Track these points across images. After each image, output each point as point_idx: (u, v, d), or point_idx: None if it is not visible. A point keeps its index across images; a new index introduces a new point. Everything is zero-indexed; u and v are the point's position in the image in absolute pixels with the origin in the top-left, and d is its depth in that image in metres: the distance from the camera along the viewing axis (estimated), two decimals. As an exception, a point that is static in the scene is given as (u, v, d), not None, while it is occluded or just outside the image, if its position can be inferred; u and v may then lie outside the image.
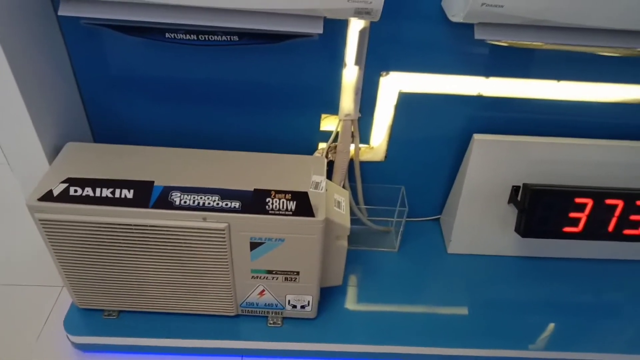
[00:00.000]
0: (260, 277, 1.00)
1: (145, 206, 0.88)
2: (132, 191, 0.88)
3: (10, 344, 1.10)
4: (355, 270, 1.23)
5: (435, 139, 1.21)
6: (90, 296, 1.04)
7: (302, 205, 0.88)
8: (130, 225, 0.89)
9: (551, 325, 1.15)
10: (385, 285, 1.21)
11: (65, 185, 0.88)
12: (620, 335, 1.14)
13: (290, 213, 0.89)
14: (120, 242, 0.92)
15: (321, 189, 0.95)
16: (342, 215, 0.98)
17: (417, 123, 1.18)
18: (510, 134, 1.14)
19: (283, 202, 0.88)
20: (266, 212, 0.89)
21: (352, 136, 1.17)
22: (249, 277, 1.00)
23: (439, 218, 1.39)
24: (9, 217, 1.40)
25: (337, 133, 1.16)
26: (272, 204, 0.88)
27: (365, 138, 1.21)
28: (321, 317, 1.12)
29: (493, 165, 1.15)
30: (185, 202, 0.88)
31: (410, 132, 1.19)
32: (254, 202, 0.88)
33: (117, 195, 0.87)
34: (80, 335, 1.06)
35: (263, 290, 1.03)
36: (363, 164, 1.24)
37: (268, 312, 1.09)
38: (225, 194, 0.89)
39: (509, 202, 1.20)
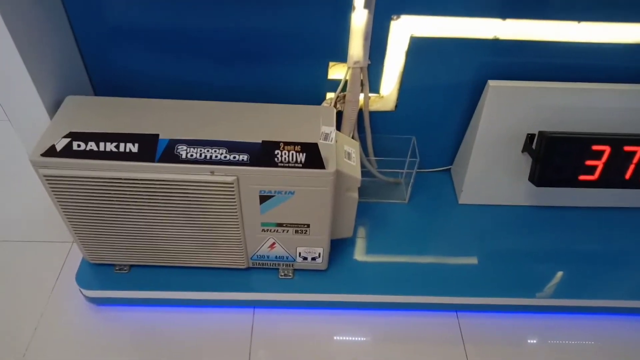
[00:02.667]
0: (270, 230, 0.99)
1: (151, 160, 0.86)
2: (136, 145, 0.85)
3: (25, 300, 1.11)
4: (365, 222, 1.22)
5: (448, 87, 1.16)
6: (100, 251, 1.04)
7: (312, 157, 0.86)
8: (137, 180, 0.87)
9: (561, 274, 1.14)
10: (395, 237, 1.20)
11: (68, 140, 0.85)
12: (632, 283, 1.13)
13: (300, 165, 0.86)
14: (127, 197, 0.91)
15: (331, 140, 0.92)
16: (352, 167, 0.96)
17: (430, 70, 1.13)
18: (526, 81, 1.09)
19: (292, 154, 0.86)
20: (275, 165, 0.86)
21: (362, 85, 1.13)
22: (259, 230, 0.99)
23: (449, 169, 1.36)
24: (17, 174, 1.39)
25: (346, 82, 1.12)
26: (281, 156, 0.86)
27: (374, 87, 1.16)
28: (332, 268, 1.12)
29: (508, 112, 1.12)
30: (192, 155, 0.86)
31: (422, 79, 1.15)
32: (263, 154, 0.86)
33: (121, 149, 0.85)
34: (92, 290, 1.07)
35: (273, 243, 1.03)
36: (372, 113, 1.20)
37: (279, 265, 1.09)
38: (232, 147, 0.86)
39: (523, 150, 1.17)
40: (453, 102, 1.19)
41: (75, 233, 0.99)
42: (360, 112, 1.18)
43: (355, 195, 1.00)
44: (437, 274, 1.13)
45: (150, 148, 0.85)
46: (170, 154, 0.86)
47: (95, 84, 1.12)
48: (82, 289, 1.08)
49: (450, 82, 1.15)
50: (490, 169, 1.21)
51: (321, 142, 0.89)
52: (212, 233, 0.99)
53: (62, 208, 0.93)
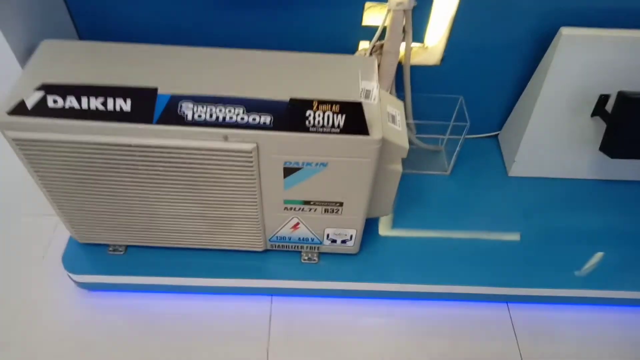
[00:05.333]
0: (294, 209, 0.82)
1: (148, 121, 0.67)
2: (129, 101, 0.66)
3: (4, 284, 0.95)
4: (401, 197, 1.04)
5: (508, 37, 0.96)
6: (90, 229, 0.87)
7: (354, 119, 0.67)
8: (130, 146, 0.69)
9: (632, 261, 0.97)
10: (435, 215, 1.02)
11: (41, 94, 0.66)
12: None
13: (337, 130, 0.68)
14: (118, 167, 0.73)
15: (373, 100, 0.73)
16: (398, 133, 0.77)
17: (487, 15, 0.92)
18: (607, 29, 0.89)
19: (328, 115, 0.67)
20: (306, 129, 0.68)
21: (403, 32, 0.93)
22: (281, 208, 0.81)
23: (496, 135, 1.17)
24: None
25: (384, 28, 0.92)
26: (314, 118, 0.67)
27: (418, 36, 0.96)
28: (363, 251, 0.95)
29: (581, 67, 0.92)
30: (200, 116, 0.67)
31: (476, 27, 0.94)
32: (290, 115, 0.67)
33: (109, 107, 0.66)
34: (82, 274, 0.91)
35: (297, 224, 0.85)
36: (414, 68, 1.00)
37: (302, 247, 0.92)
38: (252, 105, 0.67)
39: (594, 114, 0.98)
40: (511, 56, 0.99)
41: (59, 209, 0.82)
42: (400, 67, 0.98)
43: (399, 167, 0.81)
44: (484, 260, 0.96)
45: (147, 106, 0.67)
46: (172, 114, 0.67)
47: (80, 26, 0.92)
48: (70, 273, 0.91)
49: (510, 32, 0.95)
50: (551, 135, 1.02)
51: (363, 102, 0.70)
52: (224, 211, 0.81)
53: (40, 179, 0.76)
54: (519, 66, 1.01)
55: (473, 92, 1.05)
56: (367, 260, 0.94)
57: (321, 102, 0.66)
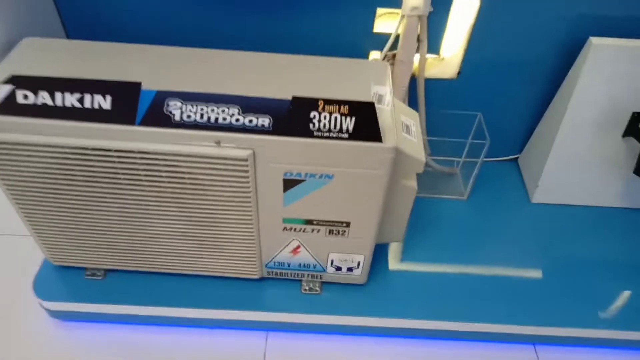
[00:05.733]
0: (295, 229, 0.72)
1: (130, 122, 0.59)
2: (109, 98, 0.58)
3: (-32, 308, 0.85)
4: (412, 223, 0.95)
5: (531, 50, 0.89)
6: (65, 250, 0.78)
7: (365, 123, 0.58)
8: (110, 150, 0.60)
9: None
10: (450, 244, 0.92)
11: (9, 87, 0.58)
12: None
13: (346, 136, 0.59)
14: (96, 176, 0.64)
15: (387, 105, 0.64)
16: (413, 145, 0.69)
17: (509, 24, 0.85)
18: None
19: (336, 118, 0.58)
20: (310, 134, 0.59)
21: (418, 41, 0.85)
22: (279, 228, 0.72)
23: (516, 158, 1.08)
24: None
25: (397, 36, 0.85)
26: (319, 121, 0.58)
27: (433, 45, 0.89)
28: (372, 282, 0.84)
29: (612, 81, 0.84)
30: (189, 116, 0.58)
31: (497, 37, 0.87)
32: (292, 117, 0.58)
33: (87, 104, 0.58)
34: (53, 301, 0.80)
35: (298, 247, 0.75)
36: (428, 82, 0.93)
37: (303, 276, 0.82)
38: (248, 105, 0.59)
39: (626, 134, 0.89)
40: (534, 70, 0.92)
41: (30, 224, 0.73)
42: (413, 80, 0.91)
43: (414, 184, 0.72)
44: (507, 294, 0.85)
45: (129, 103, 0.58)
46: (157, 114, 0.59)
47: (68, 26, 0.85)
48: (41, 300, 0.81)
49: (534, 44, 0.88)
50: (578, 158, 0.93)
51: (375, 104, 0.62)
52: (215, 230, 0.72)
53: (6, 188, 0.67)
54: (542, 82, 0.93)
55: (492, 110, 0.97)
56: (376, 292, 0.84)
57: (328, 102, 0.58)
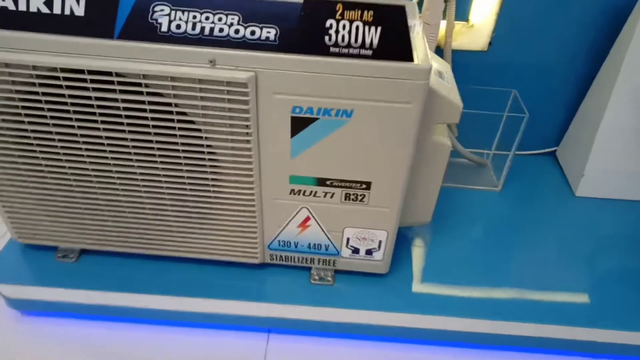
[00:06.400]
0: (304, 193, 0.60)
1: (108, 34, 0.48)
2: (82, 1, 0.48)
3: None
4: (442, 213, 0.81)
5: (570, 16, 0.79)
6: (32, 224, 0.65)
7: (393, 36, 0.48)
8: (82, 72, 0.50)
9: None
10: (487, 237, 0.79)
11: (-33, -9, 0.49)
12: None
13: (370, 53, 0.48)
14: (67, 110, 0.53)
15: (417, 34, 0.54)
16: (448, 89, 0.58)
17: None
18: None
19: (357, 27, 0.48)
20: (325, 51, 0.48)
21: (445, 2, 0.76)
22: (286, 190, 0.59)
23: (554, 151, 0.96)
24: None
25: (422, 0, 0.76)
26: (337, 31, 0.48)
27: (462, 11, 0.80)
28: (395, 274, 0.71)
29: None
30: (178, 26, 0.48)
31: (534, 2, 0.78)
32: (304, 27, 0.48)
33: (56, 9, 0.48)
34: (15, 284, 0.67)
35: (308, 219, 0.63)
36: (455, 54, 0.83)
37: (312, 261, 0.68)
38: (251, 12, 0.48)
39: (687, 110, 0.78)
40: (574, 45, 0.82)
41: (-10, 184, 0.61)
42: (439, 51, 0.81)
43: (447, 141, 0.61)
44: (548, 303, 0.70)
45: (107, 7, 0.48)
46: (140, 22, 0.48)
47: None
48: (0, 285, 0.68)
49: (574, 7, 0.78)
50: (630, 140, 0.81)
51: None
52: (205, 190, 0.59)
53: (-38, 131, 0.56)
54: (584, 59, 0.83)
55: (527, 91, 0.86)
56: (399, 285, 0.70)
57: (348, 6, 0.47)
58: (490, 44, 0.82)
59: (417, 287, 0.69)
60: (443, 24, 0.79)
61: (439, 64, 0.62)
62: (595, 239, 0.80)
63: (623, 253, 0.77)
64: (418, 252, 0.75)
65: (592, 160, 0.83)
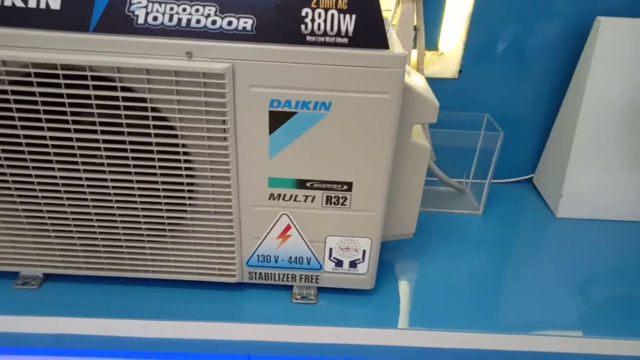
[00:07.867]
0: (284, 197, 0.58)
1: (84, 29, 0.48)
2: (59, -4, 0.49)
3: None
4: (426, 232, 0.80)
5: (537, 38, 0.83)
6: (-9, 243, 0.61)
7: (368, 23, 0.49)
8: (55, 68, 0.49)
9: None
10: (470, 255, 0.77)
11: (-59, -12, 0.49)
12: None
13: (346, 41, 0.49)
14: (37, 110, 0.51)
15: (390, 34, 0.56)
16: (424, 89, 0.59)
17: (510, 10, 0.81)
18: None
19: (332, 15, 0.49)
20: (301, 39, 0.49)
21: (415, 31, 0.80)
22: (265, 194, 0.58)
23: (531, 178, 0.97)
24: None
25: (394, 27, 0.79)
26: (313, 19, 0.49)
27: (431, 40, 0.84)
28: (381, 289, 0.67)
29: (626, 61, 0.77)
30: (155, 18, 0.49)
31: (498, 26, 0.82)
32: (280, 16, 0.49)
33: (31, 3, 0.48)
34: (-33, 314, 0.61)
35: (288, 227, 0.60)
36: (428, 82, 0.85)
37: (294, 278, 0.65)
38: (228, 3, 0.49)
39: (653, 124, 0.80)
40: (540, 69, 0.86)
41: (-51, 200, 0.58)
42: (411, 77, 0.83)
43: (426, 143, 0.61)
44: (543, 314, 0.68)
45: (84, 2, 0.49)
46: (117, 15, 0.49)
47: None
48: (-51, 316, 0.62)
49: (540, 31, 0.83)
50: (603, 157, 0.83)
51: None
52: (180, 191, 0.57)
53: None
54: (551, 79, 0.87)
55: (499, 117, 0.88)
56: (387, 300, 0.66)
57: (322, -6, 0.48)
58: (460, 71, 0.86)
59: (405, 304, 0.66)
60: (414, 53, 0.82)
61: (413, 72, 0.63)
62: (580, 259, 0.78)
63: (611, 276, 0.75)
64: (403, 269, 0.72)
65: (568, 181, 0.84)
